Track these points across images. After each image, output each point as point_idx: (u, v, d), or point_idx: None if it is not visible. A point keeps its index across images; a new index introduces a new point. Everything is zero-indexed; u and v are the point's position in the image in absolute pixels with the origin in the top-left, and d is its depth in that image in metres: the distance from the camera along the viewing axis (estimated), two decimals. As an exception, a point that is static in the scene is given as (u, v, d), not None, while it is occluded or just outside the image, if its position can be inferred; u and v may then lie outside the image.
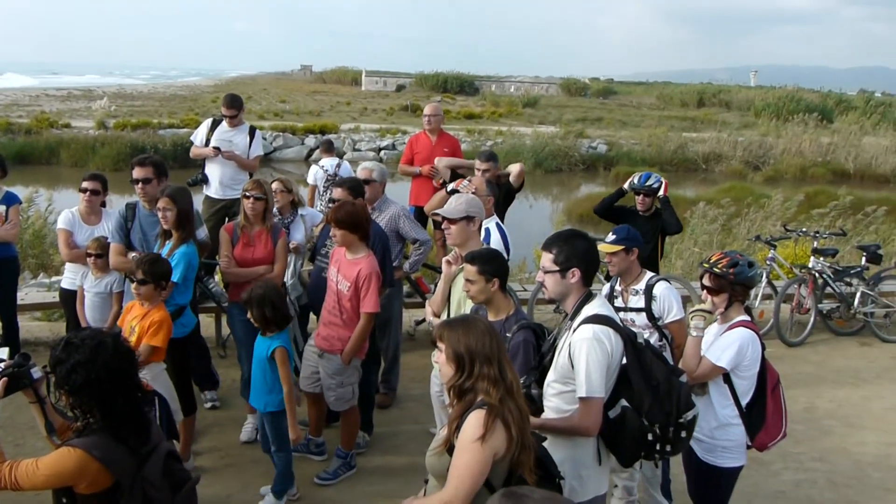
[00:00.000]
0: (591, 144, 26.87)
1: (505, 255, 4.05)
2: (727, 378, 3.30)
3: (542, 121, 34.52)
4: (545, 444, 2.60)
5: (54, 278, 7.21)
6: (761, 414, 3.35)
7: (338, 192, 4.61)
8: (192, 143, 6.81)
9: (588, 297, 2.80)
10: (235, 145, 6.46)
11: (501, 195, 5.56)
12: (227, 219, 6.22)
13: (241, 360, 4.84)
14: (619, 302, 3.97)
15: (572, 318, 2.78)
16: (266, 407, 4.00)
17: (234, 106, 6.51)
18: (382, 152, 24.98)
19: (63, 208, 5.45)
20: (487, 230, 4.44)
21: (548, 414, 2.80)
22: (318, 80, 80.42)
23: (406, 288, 6.32)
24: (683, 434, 2.78)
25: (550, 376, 2.81)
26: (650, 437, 2.73)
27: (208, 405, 5.24)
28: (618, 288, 4.03)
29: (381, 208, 5.09)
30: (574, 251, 2.78)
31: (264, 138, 20.17)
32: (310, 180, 8.53)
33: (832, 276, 7.54)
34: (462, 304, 3.79)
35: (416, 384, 5.60)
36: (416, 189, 6.79)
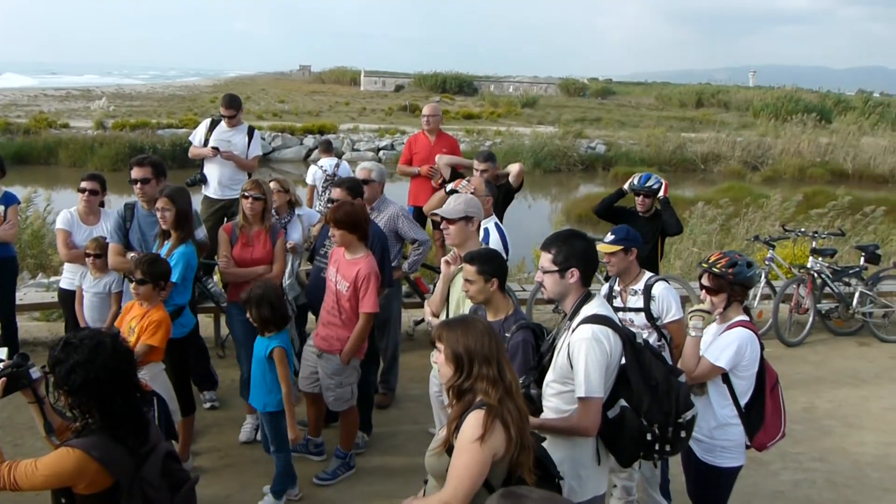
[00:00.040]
0: (589, 144, 26.90)
1: (504, 255, 4.05)
2: (726, 378, 3.30)
3: (540, 121, 34.54)
4: (544, 444, 2.61)
5: (53, 278, 7.21)
6: (760, 414, 3.35)
7: (336, 193, 4.60)
8: (190, 144, 6.81)
9: (587, 297, 2.80)
10: (234, 145, 6.46)
11: (500, 195, 5.57)
12: (225, 219, 6.22)
13: (240, 360, 4.83)
14: (617, 302, 3.97)
15: (571, 318, 2.78)
16: (265, 407, 4.00)
17: (232, 106, 6.51)
18: (381, 152, 24.99)
19: (61, 208, 5.44)
20: (486, 230, 4.44)
21: (547, 414, 2.80)
22: (316, 80, 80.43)
23: (405, 288, 6.32)
24: (682, 434, 2.78)
25: (549, 376, 2.81)
26: (649, 437, 2.73)
27: (207, 405, 5.24)
28: (616, 288, 4.03)
29: (379, 208, 5.09)
30: (573, 251, 2.78)
31: (263, 138, 20.16)
32: (308, 180, 8.53)
33: (831, 276, 7.54)
34: (461, 305, 3.79)
35: (415, 384, 5.60)
36: (414, 189, 6.78)
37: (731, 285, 3.33)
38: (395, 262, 5.11)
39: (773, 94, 46.11)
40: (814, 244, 7.80)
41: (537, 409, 2.82)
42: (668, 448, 2.78)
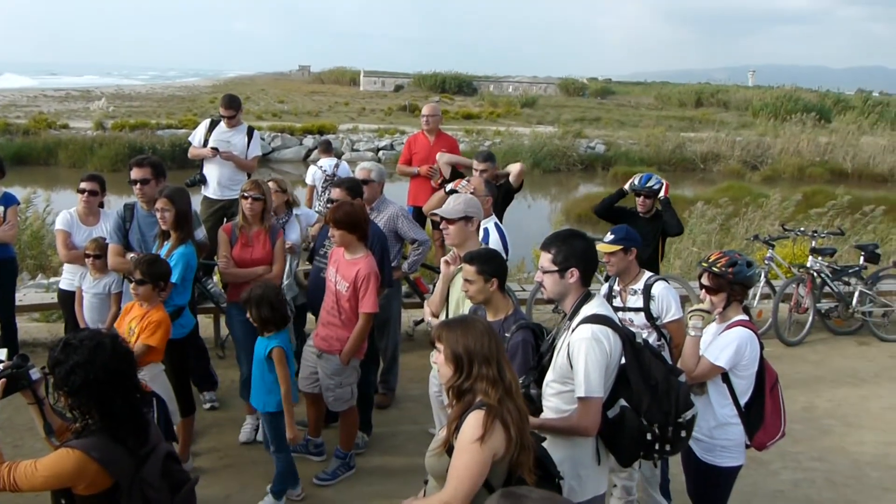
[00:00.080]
0: (589, 144, 26.89)
1: (503, 255, 4.05)
2: (726, 377, 3.30)
3: (540, 121, 34.53)
4: (544, 444, 2.61)
5: (52, 279, 7.21)
6: (760, 413, 3.35)
7: (336, 193, 4.60)
8: (190, 144, 6.81)
9: (587, 297, 2.80)
10: (233, 146, 6.46)
11: (500, 195, 5.57)
12: (225, 219, 6.22)
13: (239, 360, 4.83)
14: (617, 302, 3.97)
15: (571, 318, 2.78)
16: (265, 407, 4.00)
17: (232, 106, 6.51)
18: (381, 152, 24.98)
19: (61, 209, 5.44)
20: (486, 230, 4.44)
21: (547, 414, 2.81)
22: (316, 80, 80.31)
23: (405, 288, 6.32)
24: (682, 434, 2.78)
25: (549, 376, 2.81)
26: (649, 436, 2.73)
27: (207, 406, 5.24)
28: (616, 288, 4.03)
29: (379, 208, 5.09)
30: (573, 251, 2.78)
31: (262, 139, 20.11)
32: (308, 181, 8.53)
33: (830, 275, 7.55)
34: (461, 305, 3.79)
35: (414, 384, 5.60)
36: (414, 189, 6.78)
37: (731, 285, 3.33)
38: (395, 263, 5.11)
39: (772, 93, 46.08)
40: (813, 243, 7.80)
41: (537, 409, 2.82)
42: (668, 448, 2.78)
